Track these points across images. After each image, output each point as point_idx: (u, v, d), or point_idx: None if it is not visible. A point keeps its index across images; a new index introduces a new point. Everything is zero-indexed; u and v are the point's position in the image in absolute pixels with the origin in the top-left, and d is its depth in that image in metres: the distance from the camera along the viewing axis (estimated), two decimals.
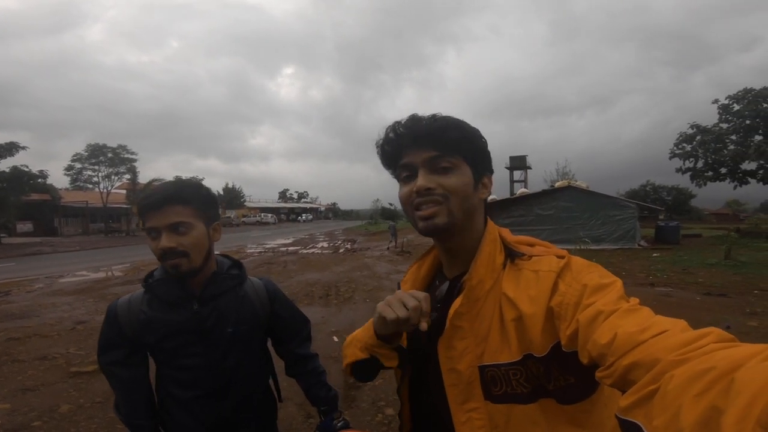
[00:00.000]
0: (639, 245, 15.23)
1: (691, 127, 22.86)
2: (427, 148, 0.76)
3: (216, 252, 1.24)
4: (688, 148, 22.78)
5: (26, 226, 30.93)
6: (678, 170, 23.45)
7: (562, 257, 0.72)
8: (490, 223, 0.82)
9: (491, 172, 0.84)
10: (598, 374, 0.54)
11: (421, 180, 0.75)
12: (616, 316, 0.55)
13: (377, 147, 0.83)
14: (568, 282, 0.66)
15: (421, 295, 0.73)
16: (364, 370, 0.91)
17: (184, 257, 1.08)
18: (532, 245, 0.80)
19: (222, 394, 1.20)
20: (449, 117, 0.79)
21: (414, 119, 0.78)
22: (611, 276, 0.67)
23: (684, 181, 26.28)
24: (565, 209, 15.81)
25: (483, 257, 0.76)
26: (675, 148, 23.36)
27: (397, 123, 0.80)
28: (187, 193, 1.10)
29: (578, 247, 12.44)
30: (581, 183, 17.42)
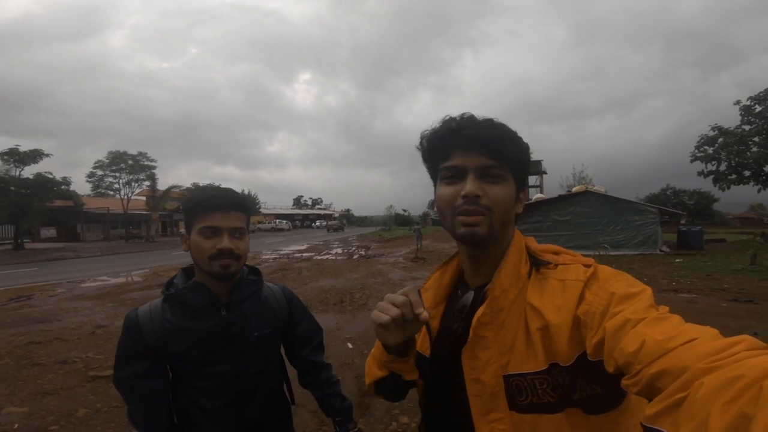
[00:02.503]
0: (661, 251, 14.88)
1: (713, 129, 22.27)
2: (482, 154, 0.73)
3: None
4: (710, 150, 22.18)
5: (50, 232, 31.87)
6: (700, 173, 22.83)
7: (588, 266, 0.71)
8: (517, 232, 0.82)
9: (527, 187, 0.84)
10: (624, 382, 0.53)
11: (471, 186, 0.73)
12: (644, 325, 0.54)
13: (422, 138, 0.81)
14: (595, 291, 0.65)
15: (407, 288, 0.75)
16: (389, 388, 0.88)
17: (236, 260, 1.13)
18: (557, 254, 0.79)
19: (248, 400, 1.20)
20: (506, 126, 0.77)
21: (472, 119, 0.76)
22: (640, 284, 0.65)
23: (706, 185, 25.62)
24: (582, 215, 15.55)
25: (507, 267, 0.75)
26: (696, 150, 22.75)
27: (452, 119, 0.77)
28: (247, 203, 1.19)
29: (597, 253, 12.21)
30: (599, 188, 17.12)
